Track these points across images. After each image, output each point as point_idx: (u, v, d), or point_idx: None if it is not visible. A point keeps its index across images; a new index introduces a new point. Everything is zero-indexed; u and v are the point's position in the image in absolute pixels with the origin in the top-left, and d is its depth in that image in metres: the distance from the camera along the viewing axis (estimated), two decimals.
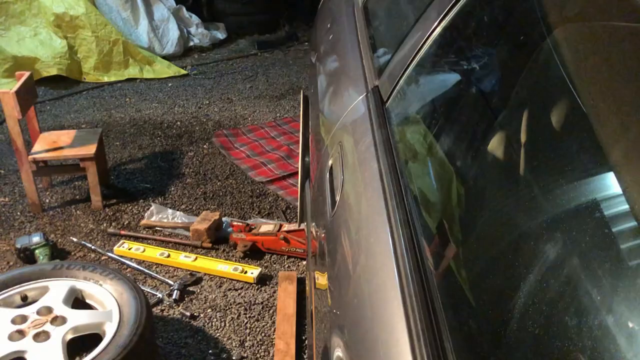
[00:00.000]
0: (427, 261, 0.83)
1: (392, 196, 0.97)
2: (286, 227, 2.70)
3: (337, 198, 1.16)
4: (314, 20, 2.47)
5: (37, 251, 2.57)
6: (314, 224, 1.60)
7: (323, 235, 1.25)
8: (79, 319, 1.96)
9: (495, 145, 0.97)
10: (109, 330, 1.92)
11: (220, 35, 5.72)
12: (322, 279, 1.26)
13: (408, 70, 1.17)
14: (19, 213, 2.96)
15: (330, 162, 1.31)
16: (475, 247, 0.83)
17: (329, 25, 2.02)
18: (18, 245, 2.58)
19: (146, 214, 2.92)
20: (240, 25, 5.87)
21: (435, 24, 1.13)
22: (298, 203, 2.60)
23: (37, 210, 2.95)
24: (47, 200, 3.07)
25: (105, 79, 4.70)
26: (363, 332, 0.87)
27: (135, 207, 3.03)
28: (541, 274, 0.67)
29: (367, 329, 0.85)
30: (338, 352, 0.95)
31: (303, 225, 2.58)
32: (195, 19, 5.55)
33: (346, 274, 1.02)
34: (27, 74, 2.94)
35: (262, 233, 2.68)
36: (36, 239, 2.60)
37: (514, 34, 1.00)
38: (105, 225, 2.88)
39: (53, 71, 4.47)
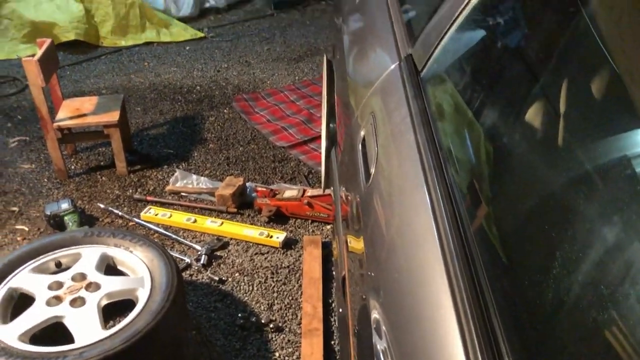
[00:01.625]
0: (469, 233, 0.84)
1: (430, 168, 0.97)
2: (310, 192, 2.72)
3: (372, 170, 1.16)
4: None
5: (66, 218, 2.61)
6: (343, 188, 1.60)
7: (357, 203, 1.26)
8: (112, 285, 2.01)
9: (536, 113, 0.96)
10: (142, 296, 1.97)
11: None
12: (356, 243, 1.27)
13: (445, 38, 1.15)
14: (45, 180, 3.01)
15: (362, 132, 1.31)
16: (520, 220, 0.83)
17: None
18: (48, 212, 2.63)
19: (171, 180, 2.95)
20: None
21: None
22: (322, 169, 2.61)
23: (63, 176, 2.99)
24: (73, 167, 3.11)
25: (123, 43, 4.68)
26: (402, 297, 0.89)
27: (160, 172, 3.06)
28: (596, 253, 0.67)
29: (407, 293, 0.87)
30: (375, 315, 0.97)
31: (328, 191, 2.60)
32: None
33: (384, 243, 1.03)
34: (48, 41, 2.93)
35: (286, 198, 2.71)
36: (65, 205, 2.64)
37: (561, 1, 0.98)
38: (131, 191, 2.92)
39: (71, 36, 4.46)
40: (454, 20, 1.15)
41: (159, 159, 3.17)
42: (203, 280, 2.39)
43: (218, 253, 2.53)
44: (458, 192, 0.91)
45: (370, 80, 1.39)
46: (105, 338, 1.79)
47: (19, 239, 2.62)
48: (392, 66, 1.31)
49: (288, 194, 2.73)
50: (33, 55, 2.79)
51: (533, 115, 0.95)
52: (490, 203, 0.89)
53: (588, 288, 0.67)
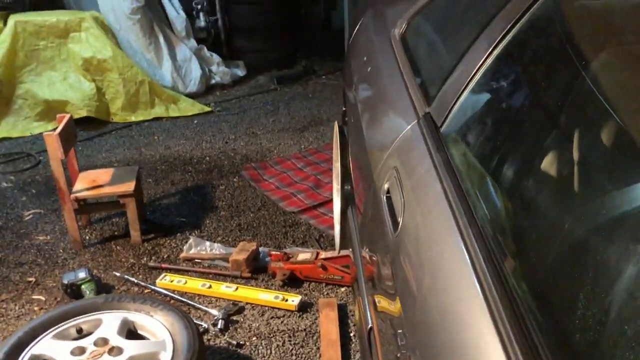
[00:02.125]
0: (506, 273, 0.89)
1: (460, 213, 1.04)
2: (323, 254, 2.76)
3: (400, 220, 1.23)
4: (345, 56, 2.57)
5: (83, 286, 2.64)
6: (367, 249, 1.66)
7: (385, 257, 1.32)
8: (135, 349, 2.02)
9: (551, 163, 1.04)
10: (165, 358, 1.98)
11: (240, 72, 5.88)
12: (385, 302, 1.31)
13: (462, 96, 1.25)
14: (61, 250, 3.05)
15: (386, 186, 1.38)
16: (553, 259, 0.89)
17: (365, 59, 2.12)
18: (65, 281, 2.66)
19: (185, 247, 3.00)
20: (258, 61, 6.03)
21: (488, 51, 1.21)
22: (337, 230, 2.67)
23: (79, 247, 3.04)
24: (87, 237, 3.16)
25: (133, 119, 4.84)
26: (444, 351, 0.92)
27: (173, 240, 3.11)
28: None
29: (450, 349, 0.90)
30: None
31: (344, 252, 2.65)
32: (216, 57, 5.71)
33: (419, 293, 1.08)
34: (67, 116, 3.06)
35: (300, 261, 2.75)
36: (82, 274, 2.68)
37: (569, 60, 1.09)
38: (145, 259, 2.96)
39: (83, 113, 4.62)
40: (470, 80, 1.25)
41: (172, 227, 3.23)
42: (221, 344, 2.39)
43: (234, 318, 2.55)
44: (489, 235, 0.98)
45: (390, 138, 1.48)
46: None
47: (35, 309, 2.63)
48: (412, 124, 1.40)
49: (301, 257, 2.78)
50: (54, 129, 2.90)
51: (547, 164, 1.04)
52: (517, 242, 0.95)
53: (617, 322, 0.73)
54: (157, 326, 2.13)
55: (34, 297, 2.71)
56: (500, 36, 1.19)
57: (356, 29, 2.59)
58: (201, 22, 5.76)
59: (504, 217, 1.03)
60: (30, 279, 2.82)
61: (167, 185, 3.72)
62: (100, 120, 4.74)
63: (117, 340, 2.05)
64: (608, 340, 0.74)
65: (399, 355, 1.12)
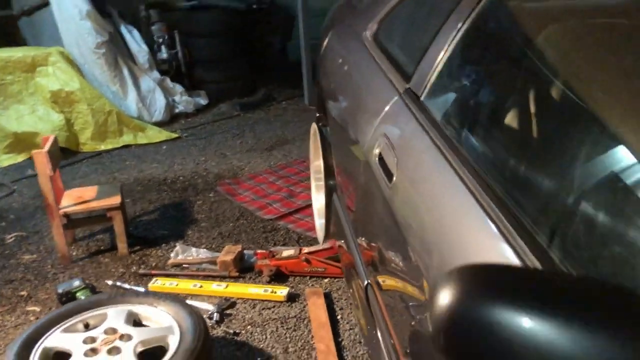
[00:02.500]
0: (490, 184, 1.14)
1: (448, 151, 1.28)
2: (306, 249, 2.97)
3: (395, 172, 1.47)
4: (317, 68, 2.84)
5: (78, 293, 2.75)
6: (363, 238, 1.86)
7: (381, 208, 1.55)
8: (144, 334, 2.16)
9: (509, 110, 1.32)
10: (173, 341, 2.12)
11: (203, 101, 6.09)
12: (389, 281, 1.52)
13: (437, 69, 1.52)
14: (49, 267, 3.14)
15: (377, 151, 1.62)
16: (526, 169, 1.15)
17: (340, 61, 2.39)
18: (60, 290, 2.76)
19: (172, 254, 3.15)
20: (219, 91, 6.25)
21: (455, 32, 1.49)
22: (318, 224, 2.90)
23: (67, 262, 3.14)
24: (74, 253, 3.26)
25: (102, 147, 4.96)
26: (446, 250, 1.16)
27: (159, 250, 3.25)
28: None
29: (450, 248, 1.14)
30: None
31: (326, 245, 2.87)
32: (178, 87, 5.91)
33: (418, 221, 1.31)
34: (52, 137, 3.20)
35: (285, 257, 2.94)
36: (76, 283, 2.79)
37: (518, 33, 1.37)
38: (134, 268, 3.09)
39: None
40: (442, 57, 1.53)
41: (156, 240, 3.37)
42: (219, 334, 2.54)
43: (228, 311, 2.70)
44: (473, 164, 1.22)
45: (376, 114, 1.72)
46: None
47: (32, 318, 2.71)
48: (395, 98, 1.66)
49: (286, 253, 2.97)
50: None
51: (507, 110, 1.31)
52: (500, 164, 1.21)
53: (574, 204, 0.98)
54: (162, 315, 2.27)
55: (28, 308, 2.79)
56: (465, 18, 1.48)
57: (324, 44, 2.86)
58: (163, 54, 5.97)
59: (480, 150, 1.28)
60: (22, 293, 2.91)
61: (145, 204, 3.86)
62: (70, 150, 4.83)
63: (125, 329, 2.19)
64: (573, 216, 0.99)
65: (413, 323, 1.31)
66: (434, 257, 1.18)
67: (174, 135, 5.25)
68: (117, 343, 2.11)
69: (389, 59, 1.90)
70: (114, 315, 2.26)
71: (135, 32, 5.76)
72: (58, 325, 2.21)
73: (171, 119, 5.69)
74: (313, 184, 2.99)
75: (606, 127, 0.99)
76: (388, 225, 1.51)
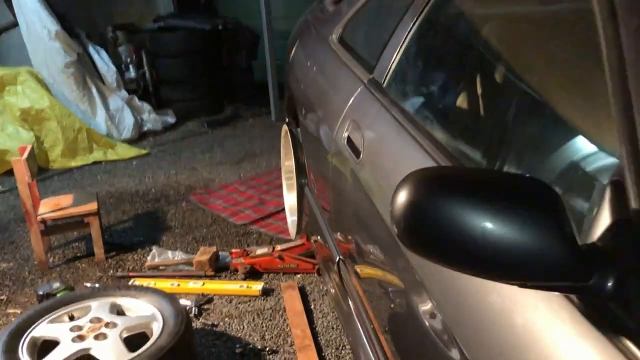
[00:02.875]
0: (440, 142, 1.34)
1: (408, 123, 1.48)
2: (279, 247, 3.12)
3: (362, 148, 1.66)
4: (286, 73, 3.04)
5: (59, 294, 2.83)
6: (339, 233, 2.02)
7: (349, 183, 1.74)
8: (128, 321, 2.28)
9: (458, 85, 1.53)
10: (157, 327, 2.24)
11: (170, 119, 6.20)
12: (367, 269, 1.70)
13: (396, 60, 1.73)
14: (27, 273, 3.21)
15: (346, 134, 1.81)
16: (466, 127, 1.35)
17: (308, 63, 2.59)
18: (40, 292, 2.83)
19: (149, 257, 3.25)
20: (187, 109, 6.38)
21: (410, 28, 1.71)
22: (289, 221, 3.06)
23: (45, 268, 3.21)
24: (51, 260, 3.33)
25: (72, 164, 5.02)
26: None
27: (135, 255, 3.35)
28: None
29: None
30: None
31: (299, 240, 3.04)
32: (146, 106, 6.02)
33: (386, 185, 1.50)
34: (29, 146, 3.30)
35: (259, 255, 3.09)
36: (57, 284, 2.87)
37: (465, 23, 1.60)
38: (112, 272, 3.18)
39: None
40: (399, 50, 1.74)
41: (132, 245, 3.47)
42: (198, 326, 2.66)
43: (205, 307, 2.83)
44: (429, 130, 1.42)
45: (344, 104, 1.92)
46: (133, 358, 2.05)
47: (13, 319, 2.77)
48: (360, 88, 1.86)
49: (260, 251, 3.12)
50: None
51: (456, 85, 1.52)
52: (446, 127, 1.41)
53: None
54: (144, 305, 2.38)
55: (9, 311, 2.86)
56: (418, 14, 1.69)
57: (292, 52, 3.06)
58: (130, 74, 6.08)
59: (435, 121, 1.49)
60: (1, 297, 2.97)
61: (119, 214, 3.96)
62: (41, 167, 4.87)
63: (110, 318, 2.30)
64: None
65: (392, 305, 1.48)
66: None
67: (144, 151, 5.36)
68: (103, 330, 2.22)
69: (354, 56, 2.11)
70: (98, 307, 2.37)
71: (103, 53, 5.87)
72: (44, 318, 2.31)
73: (140, 136, 5.78)
74: (284, 183, 3.16)
75: (530, 93, 1.22)
76: (357, 197, 1.70)
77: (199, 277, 3.07)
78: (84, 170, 4.93)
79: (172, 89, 6.42)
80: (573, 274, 0.75)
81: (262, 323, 2.68)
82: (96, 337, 2.18)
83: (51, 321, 2.30)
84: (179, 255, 3.25)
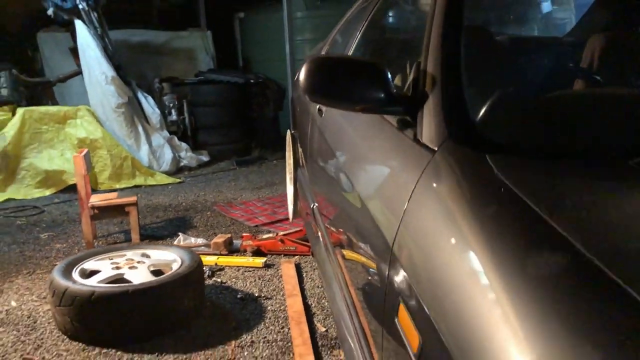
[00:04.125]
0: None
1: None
2: (282, 233, 3.77)
3: (324, 109, 2.36)
4: (293, 93, 3.80)
5: None
6: (311, 170, 2.73)
7: (316, 135, 2.43)
8: (154, 260, 2.94)
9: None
10: (176, 265, 2.90)
11: (205, 158, 7.04)
12: (331, 209, 2.37)
13: (350, 50, 2.45)
14: (77, 250, 3.92)
15: (317, 107, 2.52)
16: None
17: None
18: None
19: (175, 241, 3.93)
20: (219, 152, 7.23)
21: (360, 28, 2.45)
22: (290, 207, 3.72)
23: (91, 247, 3.91)
24: (96, 244, 4.05)
25: (117, 186, 5.83)
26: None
27: (164, 242, 4.04)
28: None
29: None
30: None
31: (296, 228, 3.68)
32: (184, 145, 6.88)
33: (346, 139, 2.18)
34: (85, 150, 4.09)
35: (265, 238, 3.74)
36: None
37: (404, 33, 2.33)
38: None
39: (75, 181, 5.58)
40: (354, 45, 2.47)
41: (162, 237, 4.16)
42: (209, 283, 3.29)
43: (217, 272, 3.46)
44: None
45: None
46: (155, 279, 2.71)
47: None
48: None
49: (266, 236, 3.77)
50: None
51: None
52: None
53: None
54: (168, 254, 3.05)
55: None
56: (367, 17, 2.43)
57: (296, 77, 3.83)
58: (172, 117, 7.00)
59: None
60: (56, 263, 3.66)
61: (152, 218, 4.68)
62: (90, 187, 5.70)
63: (140, 259, 2.97)
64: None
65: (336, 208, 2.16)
66: (356, 157, 2.04)
67: (178, 180, 6.15)
68: (135, 264, 2.89)
69: None
70: (132, 254, 3.05)
71: (150, 99, 6.82)
72: (91, 257, 3.00)
73: (177, 170, 6.60)
74: (287, 177, 3.85)
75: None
76: (322, 147, 2.38)
77: (214, 254, 3.73)
78: (126, 191, 5.72)
79: (208, 134, 7.30)
80: (390, 105, 1.42)
81: (261, 282, 3.29)
82: (129, 268, 2.84)
83: (96, 260, 2.98)
84: (200, 241, 3.92)
